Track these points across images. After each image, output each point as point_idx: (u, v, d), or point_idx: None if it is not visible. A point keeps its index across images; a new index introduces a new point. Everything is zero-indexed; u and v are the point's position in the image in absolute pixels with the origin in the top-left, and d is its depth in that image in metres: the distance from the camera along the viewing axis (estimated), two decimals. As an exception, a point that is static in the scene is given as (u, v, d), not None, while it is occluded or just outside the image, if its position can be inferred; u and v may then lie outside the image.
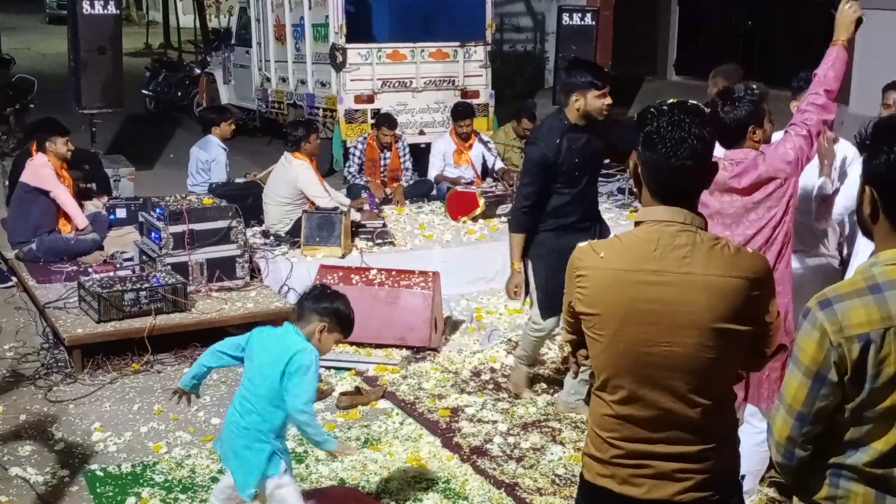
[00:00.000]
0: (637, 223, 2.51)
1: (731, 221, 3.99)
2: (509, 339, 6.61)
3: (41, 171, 7.62)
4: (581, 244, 2.58)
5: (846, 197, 4.46)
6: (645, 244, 2.44)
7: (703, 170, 2.46)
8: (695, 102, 2.51)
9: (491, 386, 5.86)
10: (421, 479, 4.69)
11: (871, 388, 2.11)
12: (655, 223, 2.45)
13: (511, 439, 5.12)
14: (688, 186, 2.46)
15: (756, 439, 3.93)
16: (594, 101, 4.97)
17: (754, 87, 4.06)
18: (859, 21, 4.14)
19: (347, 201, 8.20)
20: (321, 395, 5.63)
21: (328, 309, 3.86)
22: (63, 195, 7.63)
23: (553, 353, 6.37)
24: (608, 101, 5.03)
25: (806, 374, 2.15)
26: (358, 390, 5.73)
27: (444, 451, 4.99)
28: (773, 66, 13.51)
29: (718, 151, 3.80)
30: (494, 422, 5.32)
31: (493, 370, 6.11)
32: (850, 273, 4.13)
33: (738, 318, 2.39)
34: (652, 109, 2.49)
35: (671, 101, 2.51)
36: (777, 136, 4.27)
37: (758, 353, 2.55)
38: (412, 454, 4.94)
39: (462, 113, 9.65)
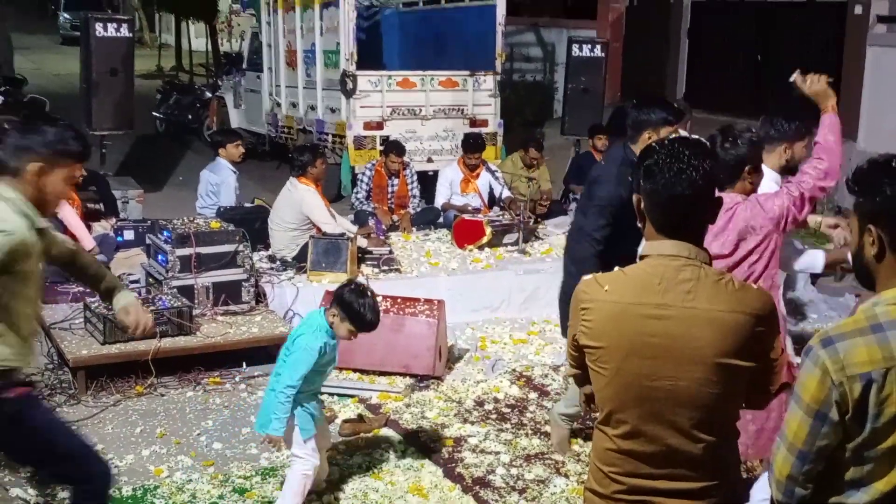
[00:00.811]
0: (642, 257, 2.51)
1: None
2: (513, 370, 6.59)
3: (49, 191, 7.64)
4: (586, 277, 2.58)
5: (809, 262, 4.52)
6: (649, 278, 2.44)
7: (703, 201, 2.46)
8: (697, 137, 2.53)
9: (494, 416, 5.84)
10: (422, 509, 4.66)
11: (873, 428, 2.10)
12: (660, 257, 2.46)
13: (514, 470, 5.09)
14: (688, 218, 2.46)
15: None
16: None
17: (753, 130, 4.10)
18: (831, 84, 4.21)
19: (353, 228, 8.22)
20: (368, 427, 5.62)
21: (341, 300, 4.42)
22: (70, 216, 7.65)
23: (557, 383, 6.34)
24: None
25: (807, 412, 2.15)
26: (360, 418, 5.71)
27: (445, 482, 4.96)
28: (783, 100, 13.52)
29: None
30: (497, 453, 5.30)
31: (496, 400, 6.08)
32: None
33: (742, 353, 2.38)
34: (654, 144, 2.51)
35: (673, 135, 2.53)
36: (765, 185, 4.27)
37: (762, 391, 2.54)
38: (414, 483, 4.92)
39: (473, 146, 9.65)
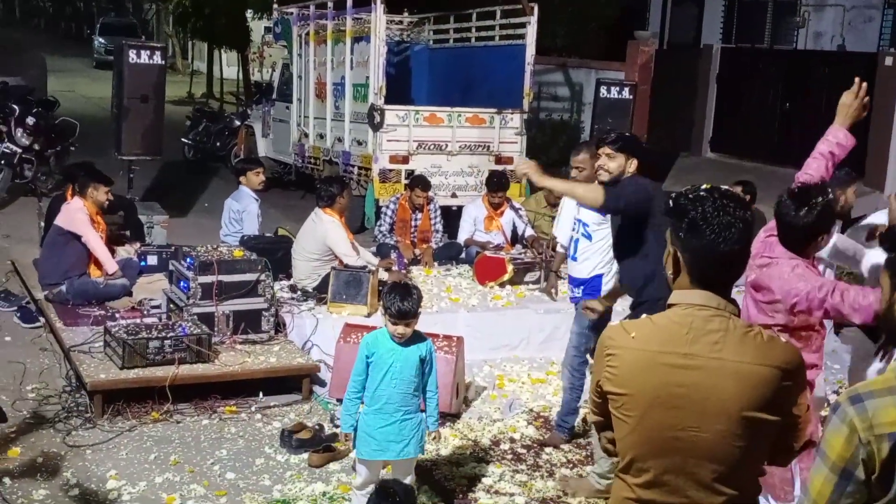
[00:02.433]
0: (669, 305, 2.48)
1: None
2: (531, 409, 6.54)
3: (76, 215, 7.72)
4: (612, 323, 2.55)
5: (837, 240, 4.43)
6: (677, 327, 2.41)
7: (747, 255, 2.46)
8: (727, 188, 2.50)
9: (510, 456, 5.78)
10: (434, 549, 4.61)
11: None
12: (689, 307, 2.43)
13: (528, 513, 5.03)
14: (732, 272, 2.44)
15: None
16: None
17: (829, 191, 3.93)
18: (864, 110, 4.17)
19: (375, 260, 8.21)
20: (338, 455, 5.59)
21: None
22: (94, 241, 7.71)
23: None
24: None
25: (833, 469, 2.11)
26: (329, 448, 5.65)
27: (459, 521, 4.91)
28: (810, 148, 13.49)
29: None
30: (512, 494, 5.23)
31: (512, 440, 6.03)
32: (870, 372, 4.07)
33: (767, 407, 2.35)
34: (689, 195, 2.46)
35: (705, 186, 2.49)
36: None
37: (785, 447, 2.49)
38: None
39: (497, 185, 9.65)
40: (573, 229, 5.86)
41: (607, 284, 5.59)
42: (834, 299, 3.73)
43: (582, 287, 5.75)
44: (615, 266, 5.46)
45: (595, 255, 5.66)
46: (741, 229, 2.38)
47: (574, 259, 5.81)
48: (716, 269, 2.42)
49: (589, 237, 5.66)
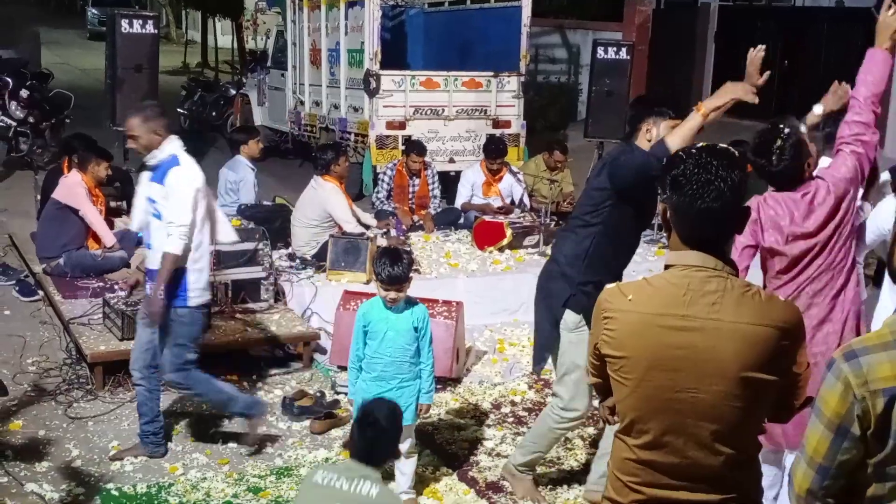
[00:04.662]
0: (667, 266, 2.46)
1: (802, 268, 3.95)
2: (531, 373, 6.54)
3: (74, 189, 7.68)
4: (609, 286, 2.53)
5: (878, 223, 4.37)
6: (674, 289, 2.39)
7: (731, 213, 2.40)
8: (724, 146, 2.46)
9: (511, 419, 5.79)
10: (437, 513, 4.63)
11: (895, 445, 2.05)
12: (686, 268, 2.41)
13: (530, 476, 5.04)
14: (715, 231, 2.41)
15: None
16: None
17: (786, 129, 3.99)
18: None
19: (374, 223, 8.23)
20: (340, 422, 5.60)
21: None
22: (92, 215, 7.67)
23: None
24: None
25: (828, 426, 2.11)
26: (331, 414, 5.68)
27: (460, 485, 4.93)
28: (808, 106, 13.41)
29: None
30: (513, 457, 5.25)
31: (513, 403, 6.04)
32: (875, 322, 4.05)
33: (766, 367, 2.33)
34: (681, 153, 2.45)
35: (700, 144, 2.46)
36: (824, 161, 4.22)
37: (785, 406, 2.49)
38: (428, 486, 4.88)
39: (494, 151, 9.58)
40: None
41: None
42: (860, 133, 3.91)
43: None
44: None
45: None
46: (720, 188, 2.34)
47: None
48: (696, 226, 2.40)
49: None
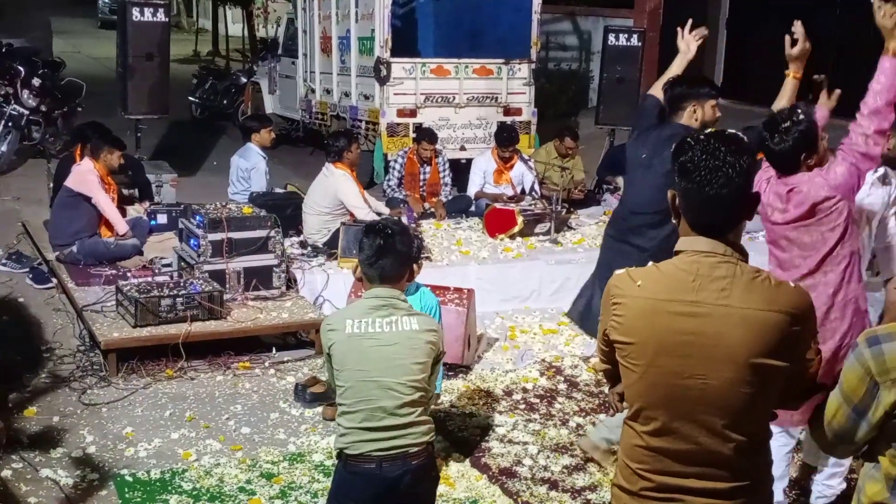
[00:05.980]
0: (676, 252, 2.46)
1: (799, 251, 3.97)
2: (543, 360, 6.56)
3: (87, 177, 7.71)
4: (618, 271, 2.53)
5: None
6: (683, 274, 2.39)
7: (739, 200, 2.40)
8: (733, 132, 2.46)
9: (522, 406, 5.81)
10: (448, 499, 4.65)
11: None
12: (695, 253, 2.40)
13: (541, 461, 5.07)
14: (725, 217, 2.41)
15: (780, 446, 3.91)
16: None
17: (801, 114, 3.98)
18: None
19: (386, 210, 8.25)
20: None
21: None
22: (104, 202, 7.71)
23: (586, 375, 6.30)
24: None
25: (846, 400, 2.21)
26: None
27: (472, 471, 4.95)
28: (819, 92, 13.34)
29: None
30: (525, 443, 5.27)
31: (525, 390, 6.06)
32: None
33: (775, 353, 2.33)
34: (689, 139, 2.44)
35: (709, 130, 2.46)
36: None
37: (795, 392, 2.49)
38: (440, 473, 4.90)
39: (506, 140, 9.54)
40: None
41: None
42: (859, 148, 3.86)
43: None
44: None
45: None
46: (728, 174, 2.34)
47: None
48: (704, 212, 2.40)
49: None
